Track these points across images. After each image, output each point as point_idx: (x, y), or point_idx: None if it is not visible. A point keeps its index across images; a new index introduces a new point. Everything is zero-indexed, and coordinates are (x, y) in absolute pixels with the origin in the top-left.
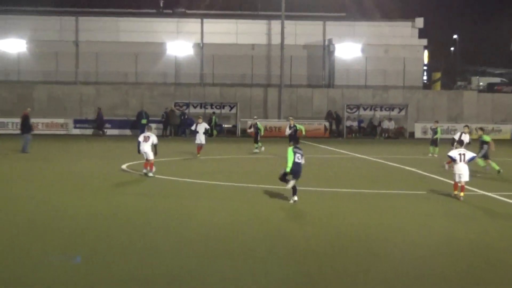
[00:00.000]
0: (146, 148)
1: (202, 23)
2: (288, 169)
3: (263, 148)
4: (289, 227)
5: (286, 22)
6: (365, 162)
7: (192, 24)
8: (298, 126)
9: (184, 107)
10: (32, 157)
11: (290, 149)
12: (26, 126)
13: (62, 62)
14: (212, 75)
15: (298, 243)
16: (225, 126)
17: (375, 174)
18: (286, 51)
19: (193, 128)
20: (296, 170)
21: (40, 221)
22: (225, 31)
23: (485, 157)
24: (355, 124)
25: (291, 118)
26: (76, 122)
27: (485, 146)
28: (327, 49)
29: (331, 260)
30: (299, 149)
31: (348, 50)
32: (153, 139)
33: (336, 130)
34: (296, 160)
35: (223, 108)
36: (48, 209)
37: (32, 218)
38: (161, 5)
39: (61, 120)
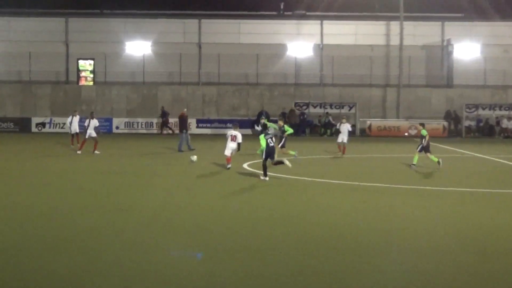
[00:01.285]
0: (233, 145)
1: (321, 24)
2: (262, 148)
3: None
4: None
5: (405, 23)
6: (485, 161)
7: (312, 26)
8: (286, 127)
9: (304, 107)
10: (183, 155)
11: (261, 137)
12: (183, 126)
13: (185, 64)
14: (332, 75)
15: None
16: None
17: (496, 174)
18: (404, 52)
19: (337, 126)
20: (269, 152)
21: (164, 217)
22: (344, 32)
23: (424, 150)
24: (473, 123)
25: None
26: (199, 122)
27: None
28: (445, 49)
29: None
30: (269, 135)
31: (467, 50)
32: (239, 138)
33: (455, 130)
34: (269, 144)
35: (342, 108)
36: (172, 205)
37: (157, 215)
38: (282, 7)
39: None
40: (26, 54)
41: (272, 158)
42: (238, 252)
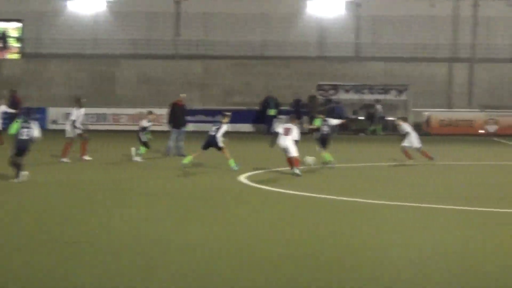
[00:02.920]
0: (288, 142)
1: None
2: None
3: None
4: None
5: None
6: None
7: None
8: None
9: (332, 92)
10: None
11: (18, 122)
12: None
13: (156, 28)
14: (373, 45)
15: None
16: (389, 119)
17: None
18: (480, 10)
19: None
20: (22, 147)
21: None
22: None
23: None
24: None
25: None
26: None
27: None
28: None
29: None
30: (28, 123)
31: None
32: (295, 133)
33: None
34: (20, 137)
35: (388, 92)
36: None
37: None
38: None
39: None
40: None
41: (22, 155)
42: None
